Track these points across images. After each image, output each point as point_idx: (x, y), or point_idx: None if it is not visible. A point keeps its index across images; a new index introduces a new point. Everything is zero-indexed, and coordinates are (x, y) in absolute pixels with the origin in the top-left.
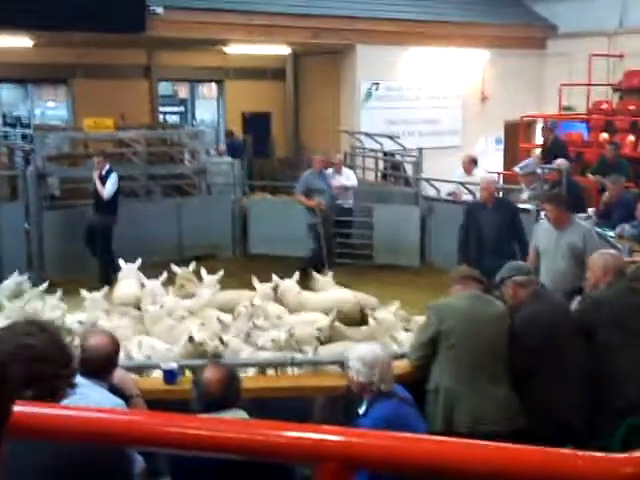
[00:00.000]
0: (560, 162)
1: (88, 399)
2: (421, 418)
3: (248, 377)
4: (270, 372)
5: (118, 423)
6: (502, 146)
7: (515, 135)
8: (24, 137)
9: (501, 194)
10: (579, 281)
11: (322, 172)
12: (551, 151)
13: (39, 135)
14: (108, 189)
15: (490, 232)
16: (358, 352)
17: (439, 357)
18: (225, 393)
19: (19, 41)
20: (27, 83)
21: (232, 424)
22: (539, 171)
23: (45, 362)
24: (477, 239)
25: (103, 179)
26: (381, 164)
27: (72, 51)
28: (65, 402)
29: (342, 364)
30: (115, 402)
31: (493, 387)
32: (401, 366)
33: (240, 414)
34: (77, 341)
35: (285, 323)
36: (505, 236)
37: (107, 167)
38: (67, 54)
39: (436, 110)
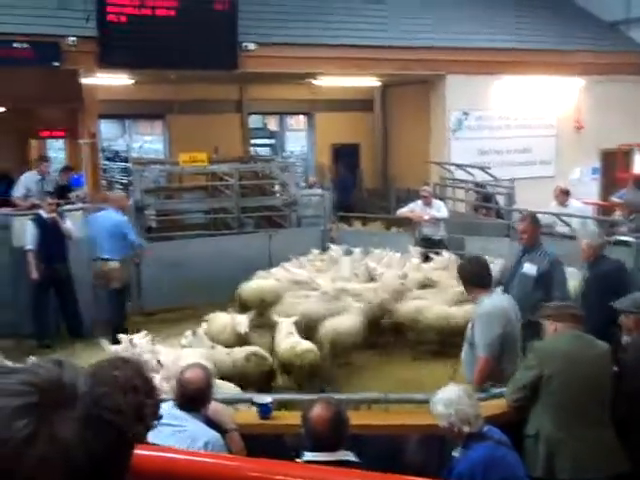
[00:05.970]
0: None
1: (185, 432)
2: (520, 461)
3: None
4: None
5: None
6: (598, 176)
7: (612, 164)
8: (122, 170)
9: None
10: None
11: None
12: None
13: (137, 169)
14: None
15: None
16: (439, 395)
17: (540, 401)
18: (333, 434)
19: (120, 79)
20: (125, 119)
21: (338, 474)
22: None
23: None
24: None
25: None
26: (472, 195)
27: (168, 88)
28: (164, 434)
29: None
30: (211, 435)
31: (596, 432)
32: (495, 406)
33: (348, 457)
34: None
35: None
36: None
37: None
38: (164, 91)
39: (528, 139)
